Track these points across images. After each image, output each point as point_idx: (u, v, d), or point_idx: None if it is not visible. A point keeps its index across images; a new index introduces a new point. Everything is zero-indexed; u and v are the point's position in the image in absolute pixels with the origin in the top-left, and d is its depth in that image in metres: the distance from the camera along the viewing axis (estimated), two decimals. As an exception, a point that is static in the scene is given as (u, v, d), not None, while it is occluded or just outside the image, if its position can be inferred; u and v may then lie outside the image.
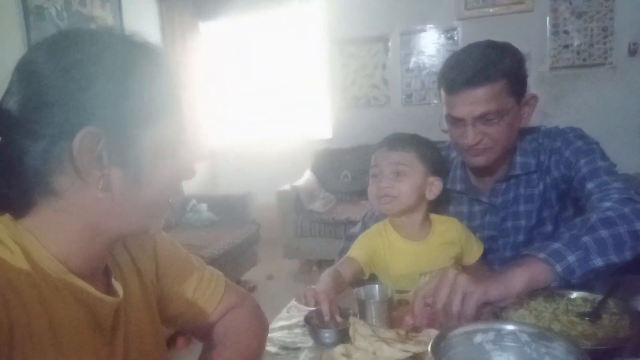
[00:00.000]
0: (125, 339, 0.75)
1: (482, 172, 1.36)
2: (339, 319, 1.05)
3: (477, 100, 1.18)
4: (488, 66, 1.18)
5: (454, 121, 1.25)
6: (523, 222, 1.34)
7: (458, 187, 1.41)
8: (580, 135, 1.29)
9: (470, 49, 1.25)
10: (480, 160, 1.28)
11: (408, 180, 1.23)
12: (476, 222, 1.40)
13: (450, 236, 1.29)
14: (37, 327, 0.60)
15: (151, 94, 0.65)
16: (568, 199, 1.31)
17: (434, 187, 1.27)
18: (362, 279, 1.27)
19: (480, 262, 1.34)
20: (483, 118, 1.20)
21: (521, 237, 1.35)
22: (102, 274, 0.74)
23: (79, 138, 0.59)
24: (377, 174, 1.27)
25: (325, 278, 1.15)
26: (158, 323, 0.86)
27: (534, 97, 1.28)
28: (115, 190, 0.63)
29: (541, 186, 1.32)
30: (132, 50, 0.66)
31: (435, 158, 1.30)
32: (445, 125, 1.31)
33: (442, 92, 1.26)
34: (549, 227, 1.34)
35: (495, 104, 1.18)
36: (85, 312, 0.67)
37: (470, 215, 1.41)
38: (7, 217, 0.64)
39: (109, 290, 0.73)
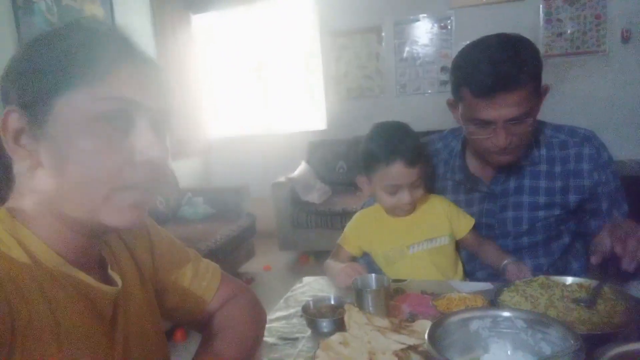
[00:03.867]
0: (125, 329, 0.75)
1: (503, 166, 1.34)
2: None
3: (510, 103, 1.16)
4: (521, 70, 1.15)
5: (482, 124, 1.22)
6: (526, 214, 1.35)
7: (457, 176, 1.42)
8: (603, 144, 1.34)
9: (495, 49, 1.19)
10: (508, 159, 1.28)
11: (420, 189, 1.34)
12: (474, 209, 1.41)
13: (434, 209, 1.39)
14: (39, 319, 0.60)
15: (63, 63, 0.62)
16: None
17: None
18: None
19: (472, 234, 1.38)
20: (514, 120, 1.19)
21: (524, 227, 1.36)
22: (98, 265, 0.74)
23: (1, 120, 0.62)
24: (395, 187, 1.31)
25: (332, 265, 1.36)
26: (157, 312, 0.86)
27: (547, 89, 1.26)
28: (46, 167, 0.62)
29: (559, 183, 1.32)
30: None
31: (426, 159, 1.38)
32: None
33: (467, 94, 1.21)
34: (552, 220, 1.35)
35: (526, 106, 1.17)
36: (86, 303, 0.67)
37: (467, 202, 1.42)
38: (2, 211, 0.64)
39: (107, 280, 0.73)
